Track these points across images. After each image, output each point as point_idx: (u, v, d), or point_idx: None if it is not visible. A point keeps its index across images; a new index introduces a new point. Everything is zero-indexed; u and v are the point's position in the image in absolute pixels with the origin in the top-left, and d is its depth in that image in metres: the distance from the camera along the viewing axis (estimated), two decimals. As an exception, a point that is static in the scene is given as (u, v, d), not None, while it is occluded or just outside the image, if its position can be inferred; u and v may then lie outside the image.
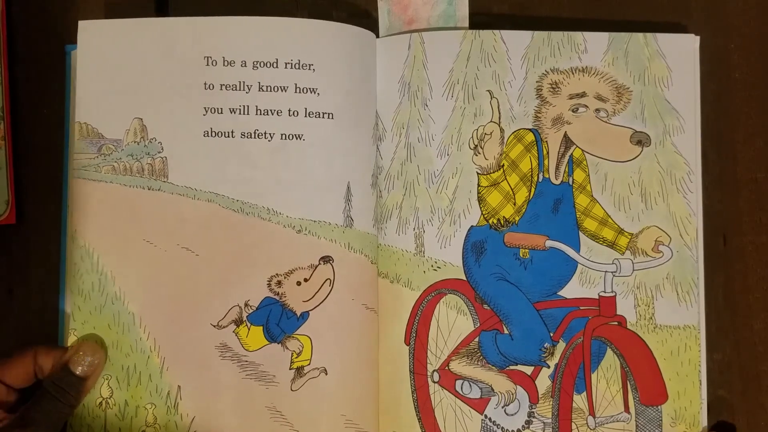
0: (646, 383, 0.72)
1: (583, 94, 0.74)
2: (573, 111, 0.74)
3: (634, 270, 0.73)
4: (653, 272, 0.73)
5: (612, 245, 0.73)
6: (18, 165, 0.78)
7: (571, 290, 0.73)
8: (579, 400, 0.73)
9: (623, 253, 0.73)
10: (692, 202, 0.73)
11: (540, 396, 0.73)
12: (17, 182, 0.78)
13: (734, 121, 0.77)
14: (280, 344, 0.72)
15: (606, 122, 0.74)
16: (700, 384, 0.72)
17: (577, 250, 0.73)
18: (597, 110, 0.74)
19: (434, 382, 0.74)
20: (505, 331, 0.74)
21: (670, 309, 0.73)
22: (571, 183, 0.74)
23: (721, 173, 0.76)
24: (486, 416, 0.73)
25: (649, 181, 0.74)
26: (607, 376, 0.73)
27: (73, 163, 0.73)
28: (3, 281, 0.78)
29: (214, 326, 0.72)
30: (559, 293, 0.73)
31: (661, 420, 0.72)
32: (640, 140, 0.74)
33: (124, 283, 0.72)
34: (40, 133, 0.79)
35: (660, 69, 0.74)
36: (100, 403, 0.71)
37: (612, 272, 0.73)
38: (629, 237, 0.73)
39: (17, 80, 0.79)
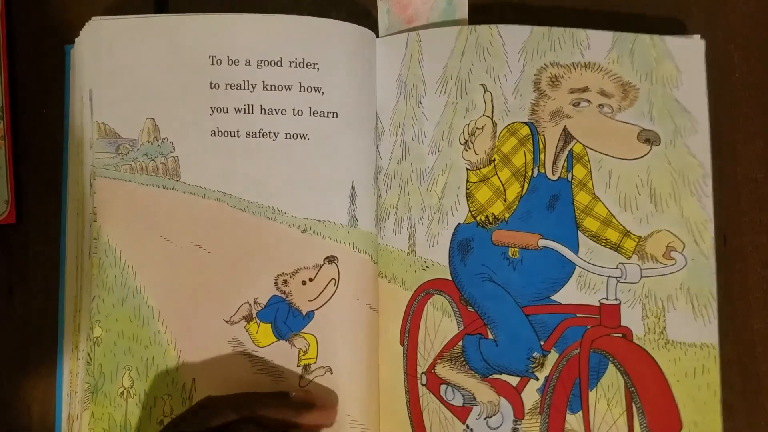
0: (655, 408, 0.67)
1: (585, 89, 0.72)
2: (574, 105, 0.72)
3: (642, 277, 0.69)
4: (664, 281, 0.69)
5: (616, 248, 0.70)
6: (18, 165, 0.78)
7: (567, 295, 0.70)
8: (574, 421, 0.69)
9: (630, 257, 0.70)
10: (708, 208, 0.70)
11: (526, 411, 0.69)
12: (17, 182, 0.78)
13: (734, 121, 0.76)
14: (287, 342, 0.72)
15: (611, 118, 0.72)
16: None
17: (575, 251, 0.70)
18: (600, 105, 0.72)
19: (422, 384, 0.72)
20: (490, 336, 0.71)
21: (685, 323, 0.69)
22: (570, 179, 0.71)
23: (721, 173, 0.75)
24: (468, 426, 0.71)
25: (660, 182, 0.71)
26: (608, 396, 0.68)
27: (95, 162, 0.73)
28: (3, 281, 0.78)
29: (226, 322, 0.72)
30: (552, 297, 0.70)
31: None
32: (649, 138, 0.71)
33: (145, 277, 0.72)
34: (40, 133, 0.79)
35: (669, 69, 0.72)
36: (122, 393, 0.72)
37: (616, 277, 0.69)
38: (637, 240, 0.70)
39: (17, 80, 0.79)
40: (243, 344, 0.72)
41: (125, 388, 0.72)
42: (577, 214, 0.71)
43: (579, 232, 0.71)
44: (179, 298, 0.72)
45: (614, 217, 0.71)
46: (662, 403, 0.68)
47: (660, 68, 0.72)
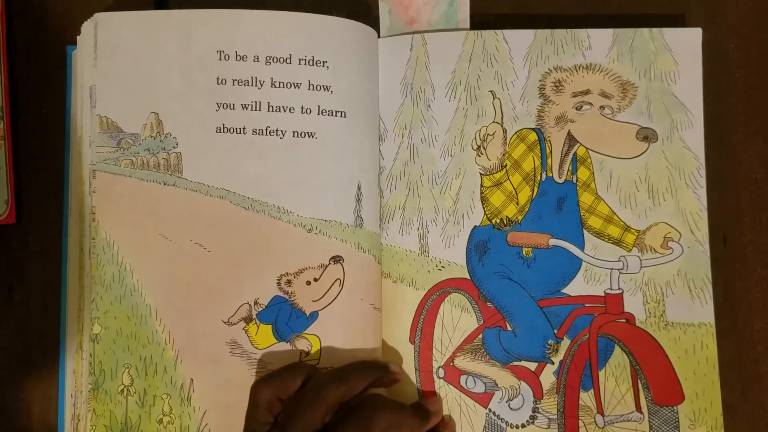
0: (658, 382, 0.72)
1: (587, 92, 0.75)
2: (577, 109, 0.75)
3: (641, 267, 0.73)
4: (662, 269, 0.73)
5: (618, 242, 0.74)
6: (18, 165, 0.79)
7: (575, 287, 0.74)
8: (586, 398, 0.73)
9: (630, 250, 0.74)
10: (702, 198, 0.74)
11: (544, 392, 0.73)
12: (17, 182, 0.78)
13: (734, 121, 0.77)
14: (288, 343, 0.73)
15: (611, 119, 0.75)
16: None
17: (582, 247, 0.74)
18: (601, 107, 0.75)
19: (440, 377, 0.74)
20: (509, 328, 0.74)
21: (683, 306, 0.73)
22: (575, 181, 0.75)
23: (721, 173, 0.77)
24: (490, 410, 0.74)
25: (657, 178, 0.74)
26: (615, 374, 0.73)
27: (95, 156, 0.74)
28: (3, 281, 0.79)
29: (225, 323, 0.73)
30: (563, 291, 0.74)
31: (678, 421, 0.72)
32: (647, 136, 0.74)
33: (142, 275, 0.73)
34: (40, 133, 0.79)
35: (666, 63, 0.75)
36: (122, 390, 0.73)
37: (618, 269, 0.73)
38: (636, 234, 0.74)
39: (17, 80, 0.80)
40: (241, 346, 0.73)
41: (125, 386, 0.73)
42: (582, 214, 0.75)
43: (584, 231, 0.75)
44: (177, 297, 0.73)
45: (615, 214, 0.74)
46: (665, 378, 0.73)
47: (658, 62, 0.75)
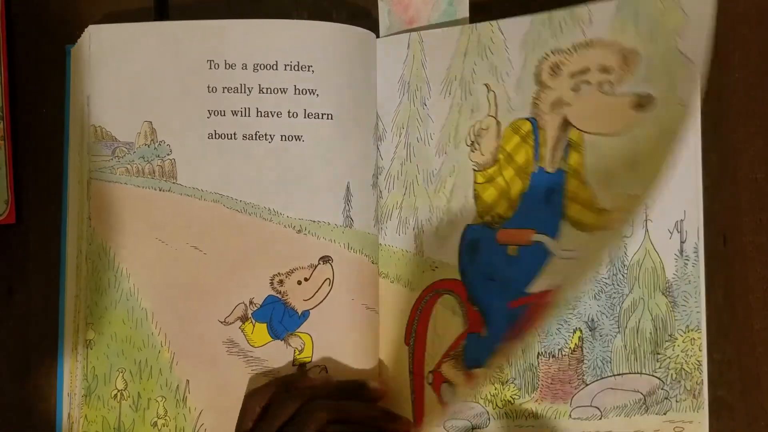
0: None
1: (585, 70, 0.71)
2: (574, 90, 0.71)
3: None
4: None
5: (594, 228, 0.69)
6: (18, 165, 0.80)
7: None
8: None
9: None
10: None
11: None
12: (17, 182, 0.79)
13: (734, 121, 0.77)
14: (283, 341, 0.74)
15: (609, 95, 0.70)
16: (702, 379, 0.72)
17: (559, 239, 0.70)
18: (600, 84, 0.70)
19: (429, 384, 0.74)
20: (485, 333, 0.72)
21: None
22: (566, 169, 0.71)
23: (721, 173, 0.76)
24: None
25: (647, 155, 0.67)
26: None
27: (90, 165, 0.75)
28: (3, 281, 0.80)
29: (221, 323, 0.74)
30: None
31: None
32: (641, 103, 0.68)
33: (138, 279, 0.75)
34: (40, 133, 0.80)
35: (674, 19, 0.67)
36: (116, 395, 0.74)
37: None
38: (610, 216, 0.68)
39: (17, 80, 0.81)
40: (238, 345, 0.74)
41: (119, 391, 0.74)
42: (566, 204, 0.70)
43: (566, 222, 0.70)
44: (173, 299, 0.75)
45: (597, 199, 0.69)
46: None
47: (664, 20, 0.68)
